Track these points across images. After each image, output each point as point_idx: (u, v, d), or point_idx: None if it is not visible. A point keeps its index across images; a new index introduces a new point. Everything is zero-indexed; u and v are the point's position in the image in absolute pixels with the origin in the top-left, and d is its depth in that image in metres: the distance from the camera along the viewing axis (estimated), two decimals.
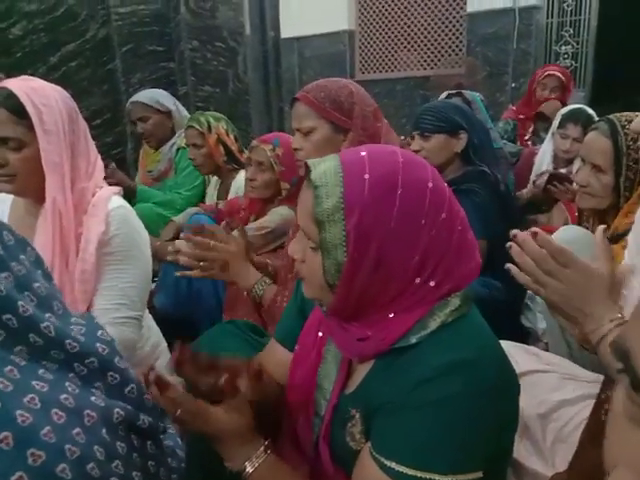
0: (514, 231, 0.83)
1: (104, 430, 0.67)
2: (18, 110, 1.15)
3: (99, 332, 0.75)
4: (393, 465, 0.70)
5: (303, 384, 0.90)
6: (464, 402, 0.69)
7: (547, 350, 1.47)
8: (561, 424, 1.09)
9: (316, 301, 0.89)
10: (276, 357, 1.01)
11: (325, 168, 0.75)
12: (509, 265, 0.85)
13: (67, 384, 0.67)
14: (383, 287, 0.75)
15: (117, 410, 0.70)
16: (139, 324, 1.30)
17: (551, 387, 1.18)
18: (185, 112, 2.85)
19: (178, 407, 0.77)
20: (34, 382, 0.63)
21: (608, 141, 1.44)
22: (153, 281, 1.72)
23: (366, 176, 0.72)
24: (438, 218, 0.74)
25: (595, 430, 0.93)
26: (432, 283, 0.75)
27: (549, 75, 3.18)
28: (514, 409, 0.78)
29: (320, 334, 0.91)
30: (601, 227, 0.88)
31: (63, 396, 0.65)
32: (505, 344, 1.34)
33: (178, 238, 1.92)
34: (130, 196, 2.46)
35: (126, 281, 1.24)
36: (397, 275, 0.74)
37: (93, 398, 0.69)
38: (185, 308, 1.92)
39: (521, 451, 1.07)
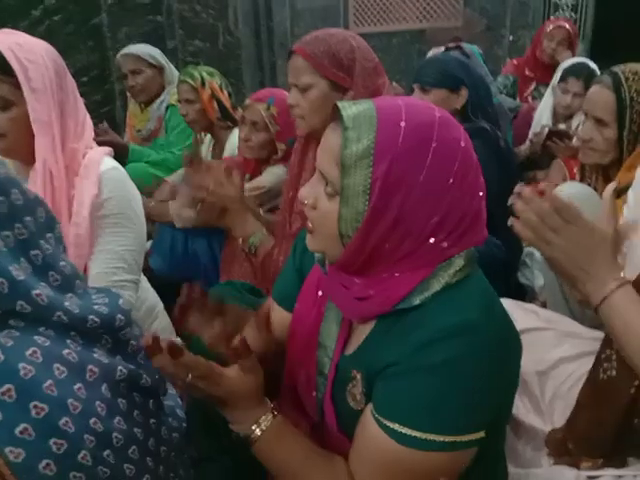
0: (519, 187, 0.81)
1: (104, 386, 0.67)
2: (2, 67, 1.10)
3: (120, 301, 0.77)
4: (396, 427, 0.70)
5: (304, 343, 0.89)
6: (468, 364, 0.69)
7: (544, 307, 1.48)
8: (559, 381, 1.11)
9: (317, 258, 0.87)
10: (274, 317, 0.99)
11: (358, 110, 0.71)
12: (512, 220, 0.83)
13: (68, 341, 0.67)
14: (398, 243, 0.72)
15: (120, 368, 0.71)
16: (136, 287, 1.29)
17: (550, 344, 1.18)
18: (175, 71, 2.76)
19: (189, 371, 0.74)
20: (35, 337, 0.64)
21: (611, 94, 1.40)
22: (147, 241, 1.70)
23: (402, 124, 0.69)
24: (465, 180, 0.72)
25: (594, 388, 0.94)
26: (445, 244, 0.73)
27: (558, 27, 3.09)
28: (516, 370, 0.78)
29: (320, 293, 0.90)
30: (611, 185, 0.86)
31: (66, 351, 0.65)
32: (503, 302, 1.35)
33: (172, 199, 1.90)
34: (122, 156, 2.41)
35: (122, 244, 1.22)
36: (414, 233, 0.72)
37: (96, 355, 0.69)
38: (181, 269, 1.91)
39: (520, 408, 1.09)
